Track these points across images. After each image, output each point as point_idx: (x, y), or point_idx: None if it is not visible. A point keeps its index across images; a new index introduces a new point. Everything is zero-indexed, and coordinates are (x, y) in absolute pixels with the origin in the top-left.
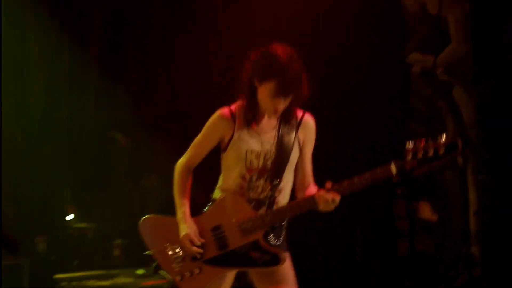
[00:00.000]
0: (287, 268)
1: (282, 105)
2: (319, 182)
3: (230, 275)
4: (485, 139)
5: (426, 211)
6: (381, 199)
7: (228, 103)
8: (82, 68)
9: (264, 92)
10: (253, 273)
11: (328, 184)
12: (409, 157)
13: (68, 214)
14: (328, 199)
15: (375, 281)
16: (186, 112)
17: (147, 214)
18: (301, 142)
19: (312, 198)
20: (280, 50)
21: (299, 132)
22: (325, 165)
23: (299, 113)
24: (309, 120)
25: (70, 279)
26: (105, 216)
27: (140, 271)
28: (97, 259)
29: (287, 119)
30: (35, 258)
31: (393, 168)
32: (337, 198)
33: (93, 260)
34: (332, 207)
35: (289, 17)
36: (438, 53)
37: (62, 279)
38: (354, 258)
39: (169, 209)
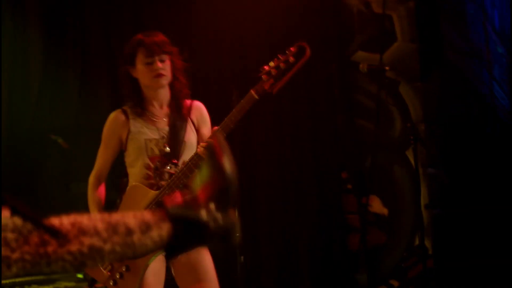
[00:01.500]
0: (208, 265)
1: (159, 65)
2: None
3: (160, 272)
4: (432, 134)
5: (376, 205)
6: (331, 194)
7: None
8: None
9: (139, 68)
10: (176, 270)
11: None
12: (265, 77)
13: None
14: (205, 146)
15: (327, 276)
16: None
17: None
18: (196, 125)
19: (196, 154)
20: (134, 36)
21: (191, 115)
22: (274, 168)
23: (188, 101)
24: (198, 104)
25: (13, 285)
26: None
27: (80, 275)
28: None
29: (177, 105)
30: None
31: (253, 93)
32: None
33: None
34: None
35: (230, 21)
36: (384, 51)
37: (5, 286)
38: (305, 254)
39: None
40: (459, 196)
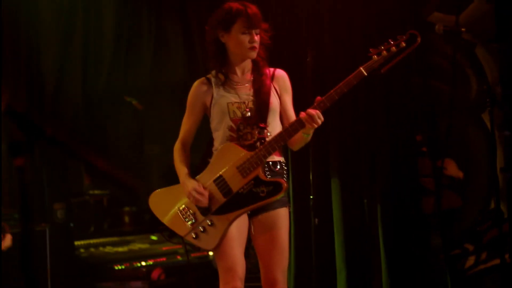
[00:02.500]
0: (282, 229)
1: (256, 38)
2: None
3: (243, 227)
4: (509, 97)
5: (451, 169)
6: (406, 157)
7: None
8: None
9: (234, 36)
10: (254, 228)
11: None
12: (375, 57)
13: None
14: (313, 114)
15: (402, 239)
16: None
17: (151, 181)
18: (278, 92)
19: (298, 119)
20: (230, 2)
21: (273, 83)
22: (348, 132)
23: (271, 69)
24: (281, 72)
25: (88, 246)
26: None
27: (154, 237)
28: (109, 226)
29: (259, 72)
30: (54, 224)
31: (363, 70)
32: (319, 113)
33: (105, 227)
34: (318, 122)
35: None
36: (460, 12)
37: (80, 246)
38: (380, 217)
39: (171, 176)
40: None
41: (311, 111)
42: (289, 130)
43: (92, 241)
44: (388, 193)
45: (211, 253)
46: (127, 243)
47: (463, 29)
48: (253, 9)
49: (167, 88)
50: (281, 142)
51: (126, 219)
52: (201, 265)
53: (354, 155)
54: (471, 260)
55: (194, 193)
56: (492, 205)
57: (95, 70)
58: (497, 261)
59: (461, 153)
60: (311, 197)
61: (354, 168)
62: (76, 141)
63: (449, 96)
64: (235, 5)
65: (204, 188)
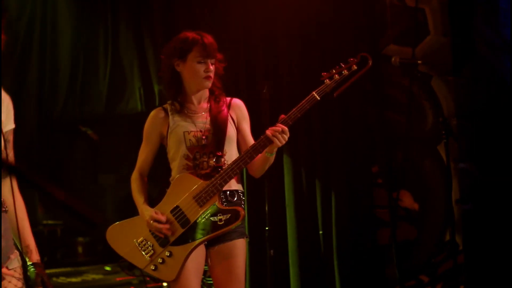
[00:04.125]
0: (239, 260)
1: (211, 67)
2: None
3: (200, 259)
4: (464, 129)
5: (407, 200)
6: (362, 188)
7: None
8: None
9: (190, 65)
10: (211, 258)
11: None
12: (327, 81)
13: None
14: (279, 129)
15: (357, 270)
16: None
17: (105, 210)
18: (235, 121)
19: (265, 136)
20: (186, 32)
21: (230, 112)
22: (304, 162)
23: (227, 98)
24: (238, 101)
25: None
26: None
27: (108, 268)
28: (62, 256)
29: (216, 101)
30: None
31: (315, 95)
32: (286, 128)
33: (58, 257)
34: (285, 138)
35: (260, 16)
36: (416, 45)
37: None
38: (335, 248)
39: (126, 206)
40: (490, 191)
41: (277, 128)
42: (255, 147)
43: (46, 271)
44: (343, 224)
45: (165, 284)
46: (80, 273)
47: (419, 62)
48: (209, 38)
49: (123, 118)
50: (237, 170)
51: (80, 249)
52: None
53: (309, 186)
54: None
55: (154, 224)
56: (448, 237)
57: (50, 99)
58: None
59: (416, 184)
60: (267, 228)
61: (309, 199)
62: (30, 170)
63: (405, 127)
64: (191, 34)
65: (162, 215)
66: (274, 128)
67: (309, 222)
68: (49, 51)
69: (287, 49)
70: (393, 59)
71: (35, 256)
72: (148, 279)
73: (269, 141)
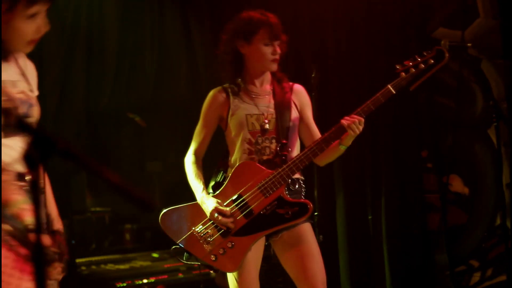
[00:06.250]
0: (311, 240)
1: (278, 50)
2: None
3: (259, 250)
4: None
5: (457, 185)
6: (411, 173)
7: None
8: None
9: (256, 47)
10: (279, 248)
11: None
12: (403, 74)
13: None
14: (355, 120)
15: (406, 255)
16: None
17: (153, 198)
18: (298, 107)
19: (339, 126)
20: (249, 11)
21: (293, 97)
22: (354, 147)
23: (290, 83)
24: (300, 87)
25: (89, 263)
26: (117, 200)
27: (156, 254)
28: (110, 243)
29: (279, 84)
30: None
31: (391, 88)
32: (362, 119)
33: (106, 244)
34: (360, 128)
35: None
36: (466, 28)
37: (82, 264)
38: (385, 234)
39: (173, 194)
40: None
41: (353, 118)
42: (326, 139)
43: (93, 258)
44: (393, 210)
45: (213, 272)
46: (128, 260)
47: (469, 45)
48: (274, 19)
49: (170, 105)
50: (308, 160)
51: (128, 236)
52: (204, 282)
53: (358, 171)
54: (476, 277)
55: (217, 217)
56: (498, 221)
57: (97, 87)
58: (503, 278)
59: (466, 169)
60: (316, 213)
61: (359, 184)
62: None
63: (454, 111)
64: (256, 15)
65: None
66: (349, 118)
67: (358, 207)
68: (95, 40)
69: (334, 33)
70: (442, 42)
71: (57, 225)
72: (196, 265)
73: (343, 131)
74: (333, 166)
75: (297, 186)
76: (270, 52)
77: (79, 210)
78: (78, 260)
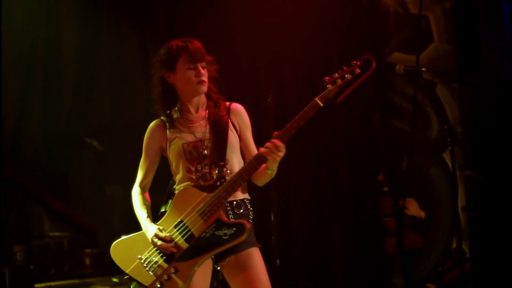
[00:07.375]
0: (259, 266)
1: (202, 71)
2: (303, 187)
3: (206, 275)
4: (470, 136)
5: (413, 208)
6: (367, 197)
7: None
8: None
9: (180, 74)
10: (227, 272)
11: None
12: (330, 86)
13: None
14: (272, 148)
15: (364, 279)
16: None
17: (113, 222)
18: (237, 127)
19: (258, 154)
20: (170, 41)
21: (230, 117)
22: (309, 171)
23: (227, 103)
24: (237, 106)
25: None
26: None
27: (115, 279)
28: (69, 268)
29: (216, 107)
30: (14, 267)
31: (318, 101)
32: (280, 144)
33: (66, 269)
34: (280, 154)
35: (264, 24)
36: (420, 52)
37: None
38: (341, 257)
39: (133, 217)
40: (496, 198)
41: (269, 145)
42: (250, 164)
43: (52, 283)
44: (350, 233)
45: None
46: (88, 285)
47: (423, 69)
48: (194, 43)
49: (129, 128)
50: (241, 181)
51: (87, 261)
52: None
53: (316, 195)
54: None
55: (158, 242)
56: (454, 245)
57: (55, 111)
58: None
59: (422, 192)
60: (272, 237)
61: (316, 208)
62: (34, 183)
63: (410, 135)
64: (175, 43)
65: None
66: (269, 144)
67: (315, 231)
68: (52, 65)
69: (291, 57)
70: (397, 66)
71: None
72: None
73: (263, 160)
74: (290, 190)
75: (242, 209)
76: (194, 75)
77: (38, 235)
78: (37, 286)
